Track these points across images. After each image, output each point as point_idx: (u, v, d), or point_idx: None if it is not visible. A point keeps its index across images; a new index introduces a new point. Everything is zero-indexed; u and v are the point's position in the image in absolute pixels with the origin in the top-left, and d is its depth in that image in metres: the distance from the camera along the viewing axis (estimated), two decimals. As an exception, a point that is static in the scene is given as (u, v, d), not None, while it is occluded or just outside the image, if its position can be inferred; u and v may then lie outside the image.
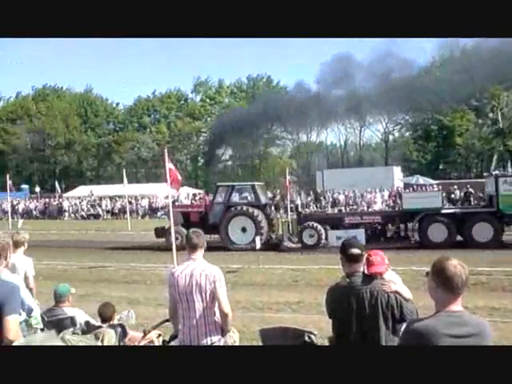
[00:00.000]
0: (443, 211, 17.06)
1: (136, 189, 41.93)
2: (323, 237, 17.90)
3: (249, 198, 19.52)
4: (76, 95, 73.74)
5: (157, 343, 5.58)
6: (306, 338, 4.33)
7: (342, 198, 34.10)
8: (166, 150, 14.77)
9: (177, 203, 21.00)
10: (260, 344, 4.80)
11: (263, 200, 19.66)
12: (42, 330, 6.00)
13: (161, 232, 19.47)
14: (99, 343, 4.55)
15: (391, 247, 15.57)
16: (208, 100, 69.46)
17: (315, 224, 18.11)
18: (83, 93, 73.78)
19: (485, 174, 18.74)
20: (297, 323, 5.87)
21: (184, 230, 19.07)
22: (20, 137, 66.19)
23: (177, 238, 19.72)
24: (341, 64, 47.80)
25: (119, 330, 4.95)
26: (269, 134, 61.86)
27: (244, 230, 18.76)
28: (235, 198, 19.71)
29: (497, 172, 18.67)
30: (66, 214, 40.96)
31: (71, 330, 5.57)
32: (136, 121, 69.15)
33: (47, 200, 45.07)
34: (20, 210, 41.52)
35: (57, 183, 48.66)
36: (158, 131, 66.05)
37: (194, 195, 40.92)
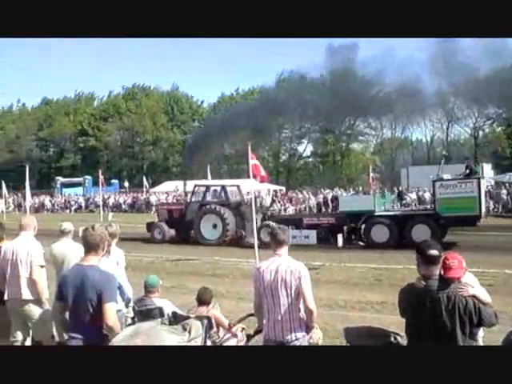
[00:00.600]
0: (384, 213, 18.35)
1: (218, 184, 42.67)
2: None
3: (221, 198, 21.37)
4: (163, 94, 76.24)
5: (240, 336, 5.69)
6: (392, 339, 4.24)
7: (427, 195, 32.90)
8: (249, 147, 14.95)
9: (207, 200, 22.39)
10: (344, 342, 4.76)
11: (232, 199, 21.30)
12: (132, 318, 6.31)
13: (149, 227, 21.82)
14: (187, 334, 4.70)
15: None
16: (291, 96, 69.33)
17: (271, 223, 19.29)
18: (170, 91, 76.21)
19: (431, 177, 19.76)
20: (380, 324, 5.75)
21: (165, 226, 21.30)
22: (111, 134, 69.80)
23: (159, 233, 21.19)
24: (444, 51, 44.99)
25: (206, 322, 5.08)
26: (352, 129, 60.84)
27: (215, 226, 20.43)
28: (209, 197, 21.69)
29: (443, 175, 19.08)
30: (153, 208, 42.53)
31: (159, 320, 5.80)
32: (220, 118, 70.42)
33: (135, 194, 47.10)
34: (110, 204, 43.71)
35: (144, 178, 50.69)
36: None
37: (275, 192, 41.14)
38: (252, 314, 5.21)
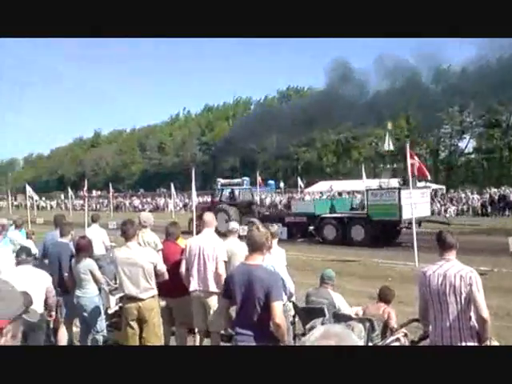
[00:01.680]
0: (332, 215, 21.68)
1: (374, 184, 41.79)
2: None
3: (232, 198, 26.28)
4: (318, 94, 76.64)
5: (403, 342, 5.52)
6: None
7: None
8: (407, 144, 14.47)
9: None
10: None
11: (238, 200, 26.12)
12: (293, 317, 6.48)
13: (189, 223, 23.61)
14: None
15: (299, 242, 21.35)
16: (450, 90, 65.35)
17: (254, 220, 20.82)
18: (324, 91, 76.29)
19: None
20: None
21: None
22: (268, 136, 72.02)
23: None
24: None
25: (368, 325, 5.03)
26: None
27: (226, 221, 22.69)
28: (224, 197, 26.65)
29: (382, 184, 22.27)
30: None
31: (320, 319, 5.87)
32: (374, 116, 68.79)
33: (290, 195, 48.08)
34: (267, 203, 45.17)
35: (299, 179, 51.57)
36: (396, 126, 64.74)
37: (435, 191, 39.05)
38: (416, 320, 5.02)
